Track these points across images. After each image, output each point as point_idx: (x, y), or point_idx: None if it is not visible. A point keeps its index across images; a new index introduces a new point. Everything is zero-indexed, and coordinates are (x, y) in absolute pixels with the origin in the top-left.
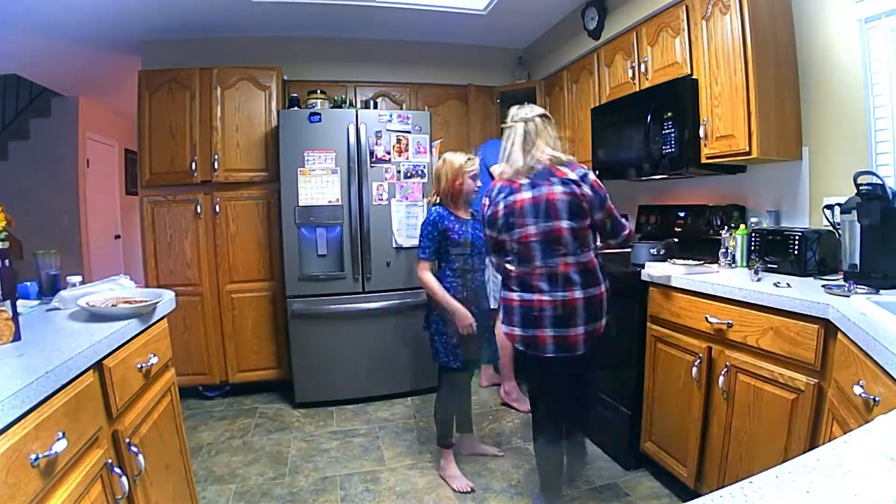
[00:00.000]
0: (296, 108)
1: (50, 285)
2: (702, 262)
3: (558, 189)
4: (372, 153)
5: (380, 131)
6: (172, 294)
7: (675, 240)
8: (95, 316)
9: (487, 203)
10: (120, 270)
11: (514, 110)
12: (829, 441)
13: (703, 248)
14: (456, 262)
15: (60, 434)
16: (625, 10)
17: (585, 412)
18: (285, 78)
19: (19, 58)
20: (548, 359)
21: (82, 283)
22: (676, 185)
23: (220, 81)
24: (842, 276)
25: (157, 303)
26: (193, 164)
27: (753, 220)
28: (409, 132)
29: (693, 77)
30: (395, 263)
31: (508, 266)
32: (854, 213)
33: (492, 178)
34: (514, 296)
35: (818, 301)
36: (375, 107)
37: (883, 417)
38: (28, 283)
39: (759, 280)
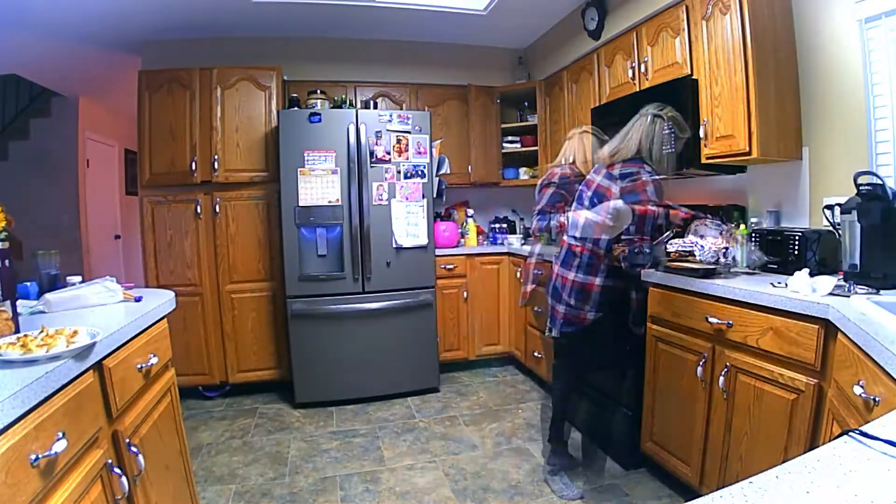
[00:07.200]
0: (296, 109)
1: (50, 285)
2: None
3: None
4: (372, 153)
5: (380, 131)
6: (172, 294)
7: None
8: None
9: None
10: (120, 270)
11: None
12: (829, 441)
13: None
14: None
15: (60, 434)
16: (625, 10)
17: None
18: (285, 78)
19: (19, 58)
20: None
21: (81, 282)
22: (676, 185)
23: (220, 81)
24: (842, 276)
25: (91, 344)
26: (193, 165)
27: (753, 220)
28: (409, 132)
29: (693, 77)
30: (395, 263)
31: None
32: (854, 213)
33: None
34: None
35: (818, 301)
36: (375, 107)
37: (883, 417)
38: (28, 284)
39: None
